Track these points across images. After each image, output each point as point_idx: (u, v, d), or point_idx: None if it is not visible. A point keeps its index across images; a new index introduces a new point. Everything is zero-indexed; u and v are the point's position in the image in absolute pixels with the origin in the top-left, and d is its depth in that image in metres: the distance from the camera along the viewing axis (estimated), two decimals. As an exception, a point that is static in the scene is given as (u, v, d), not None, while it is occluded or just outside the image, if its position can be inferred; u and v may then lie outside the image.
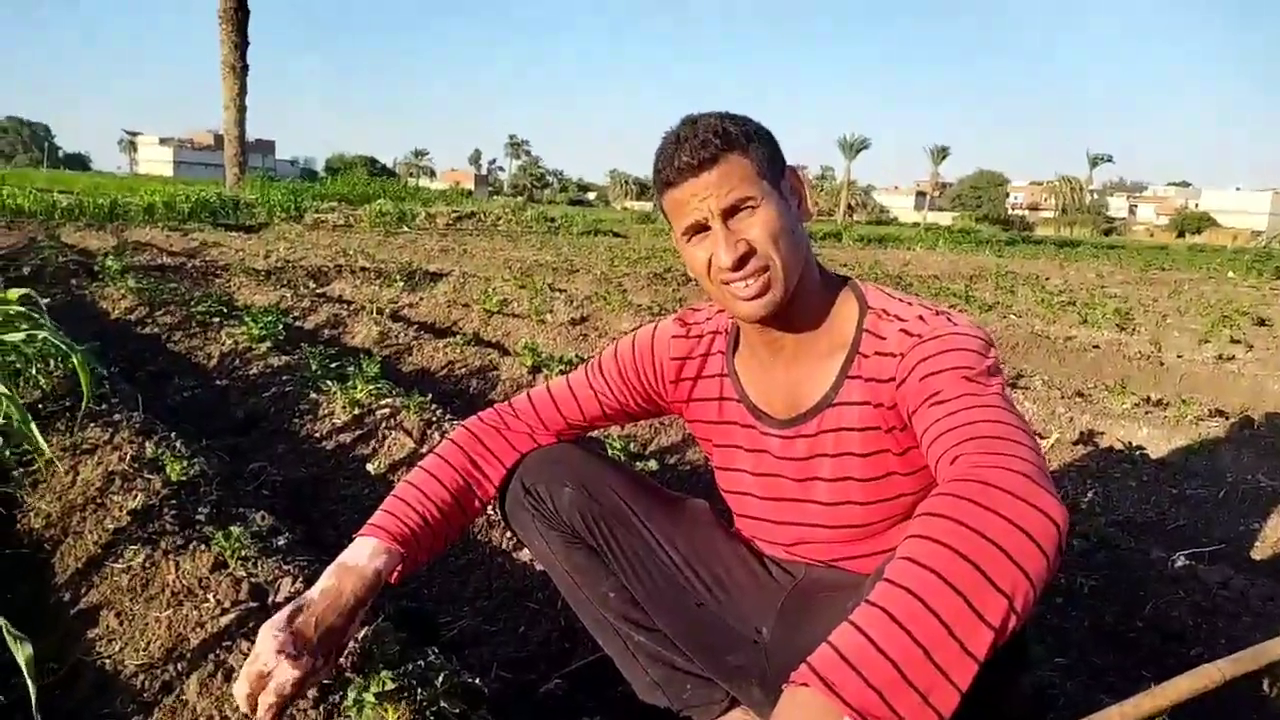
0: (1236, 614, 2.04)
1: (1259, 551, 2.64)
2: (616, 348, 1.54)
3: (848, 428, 1.31)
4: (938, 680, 0.85)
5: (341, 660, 1.46)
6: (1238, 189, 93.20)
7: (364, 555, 1.33)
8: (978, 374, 1.16)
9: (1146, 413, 4.03)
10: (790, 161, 1.32)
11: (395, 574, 1.37)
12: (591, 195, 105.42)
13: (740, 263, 1.24)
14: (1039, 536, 0.92)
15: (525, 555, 2.19)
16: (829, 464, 1.34)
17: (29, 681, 1.33)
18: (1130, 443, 3.44)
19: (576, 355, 4.52)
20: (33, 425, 2.02)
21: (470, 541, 2.32)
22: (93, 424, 2.69)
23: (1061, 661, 1.94)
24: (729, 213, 1.24)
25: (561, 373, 3.68)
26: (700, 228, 1.27)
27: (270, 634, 1.22)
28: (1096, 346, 6.32)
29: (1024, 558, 0.90)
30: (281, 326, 4.53)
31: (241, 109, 24.77)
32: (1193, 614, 2.07)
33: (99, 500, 2.22)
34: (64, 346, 2.20)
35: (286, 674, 1.20)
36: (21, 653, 1.34)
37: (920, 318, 1.26)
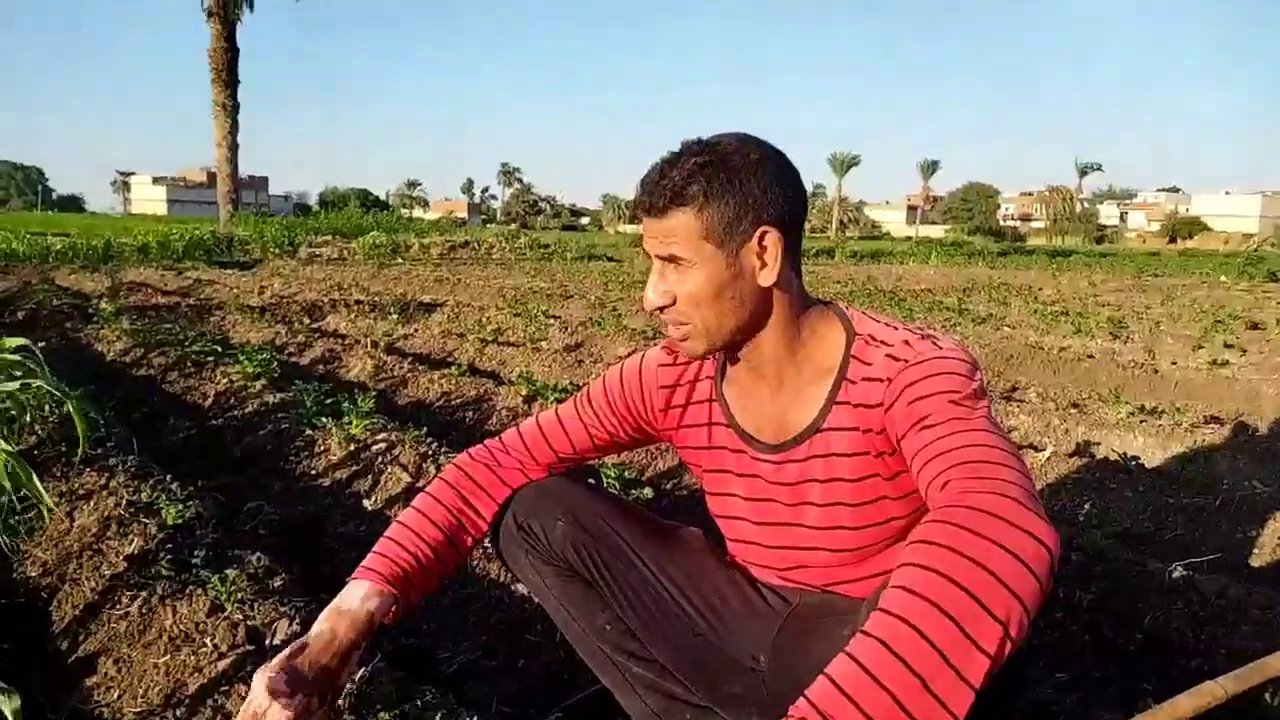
0: (1235, 624, 2.03)
1: (1256, 559, 2.64)
2: (605, 379, 1.55)
3: (837, 453, 1.32)
4: (935, 710, 0.86)
5: (340, 702, 1.46)
6: (1227, 193, 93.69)
7: (357, 598, 1.34)
8: (964, 397, 1.18)
9: (1141, 421, 4.03)
10: None
11: (390, 615, 1.37)
12: (585, 220, 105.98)
13: (659, 309, 1.31)
14: (1031, 561, 0.92)
15: (524, 588, 2.18)
16: (819, 489, 1.35)
17: None
18: (1125, 453, 3.44)
19: (571, 382, 4.53)
20: (35, 478, 2.03)
21: (469, 575, 2.32)
22: (89, 469, 2.69)
23: (1061, 677, 1.93)
24: (667, 259, 1.28)
25: (557, 401, 3.69)
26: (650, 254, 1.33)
27: (265, 679, 1.23)
28: (1091, 356, 6.34)
29: (1017, 583, 0.90)
30: (276, 364, 4.53)
31: (233, 146, 24.99)
32: (1191, 625, 2.07)
33: (95, 546, 2.22)
34: (60, 394, 2.21)
35: (281, 716, 1.20)
36: (9, 705, 1.34)
37: (906, 342, 1.27)
